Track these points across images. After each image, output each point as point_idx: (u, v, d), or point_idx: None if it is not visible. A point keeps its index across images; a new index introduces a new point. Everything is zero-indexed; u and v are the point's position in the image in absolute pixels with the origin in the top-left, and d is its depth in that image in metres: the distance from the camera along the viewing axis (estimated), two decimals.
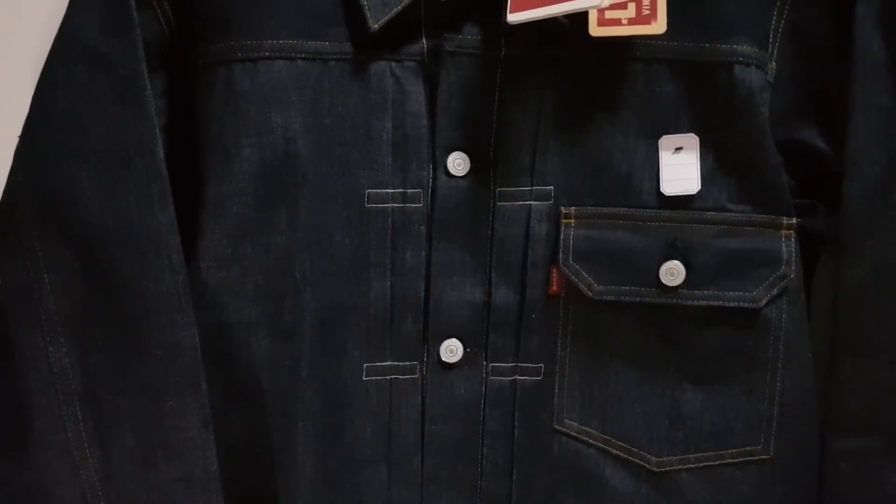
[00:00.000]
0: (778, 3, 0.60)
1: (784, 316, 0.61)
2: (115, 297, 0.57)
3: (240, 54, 0.58)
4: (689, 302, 0.60)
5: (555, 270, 0.61)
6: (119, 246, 0.57)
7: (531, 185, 0.61)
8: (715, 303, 0.60)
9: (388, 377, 0.62)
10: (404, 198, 0.61)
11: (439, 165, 0.61)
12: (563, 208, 0.61)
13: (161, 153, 0.57)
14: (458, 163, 0.61)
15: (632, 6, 0.57)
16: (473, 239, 0.61)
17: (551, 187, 0.61)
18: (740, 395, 0.61)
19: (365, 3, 0.58)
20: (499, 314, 0.62)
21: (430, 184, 0.61)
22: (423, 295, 0.61)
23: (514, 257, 0.61)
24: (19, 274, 0.58)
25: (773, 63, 0.61)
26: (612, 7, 0.56)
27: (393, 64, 0.60)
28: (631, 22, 0.57)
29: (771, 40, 0.60)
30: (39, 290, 0.57)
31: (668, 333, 0.61)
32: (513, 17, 0.56)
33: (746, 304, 0.60)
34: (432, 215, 0.61)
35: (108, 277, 0.57)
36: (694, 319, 0.61)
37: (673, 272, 0.60)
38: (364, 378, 0.62)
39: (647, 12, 0.56)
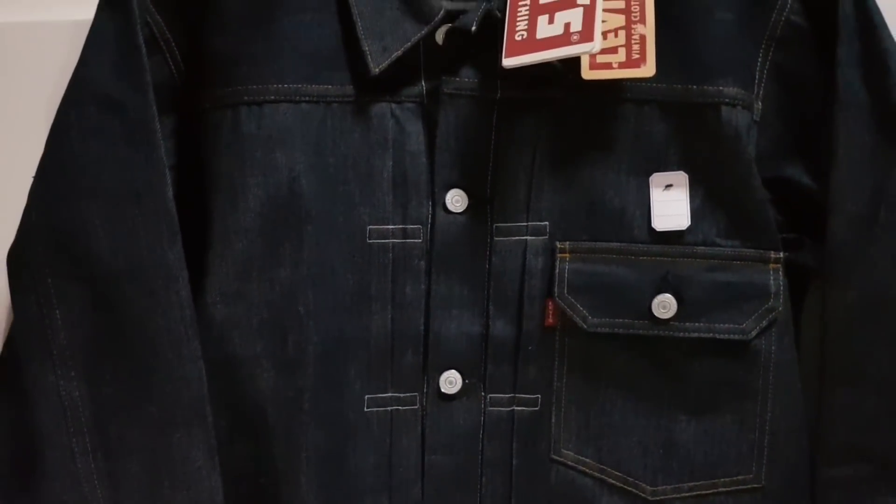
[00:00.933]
0: (763, 45, 0.63)
1: (773, 347, 0.62)
2: (124, 331, 0.59)
3: (246, 98, 0.60)
4: (681, 334, 0.62)
5: (550, 303, 0.63)
6: (129, 282, 0.58)
7: (527, 221, 0.63)
8: (706, 335, 0.62)
9: (388, 408, 0.63)
10: (404, 233, 0.63)
11: (438, 202, 0.63)
12: (558, 243, 0.63)
13: (170, 193, 0.59)
14: (456, 200, 0.63)
15: (622, 50, 0.59)
16: (472, 273, 0.63)
17: (546, 223, 0.63)
18: (732, 424, 0.63)
19: (366, 48, 0.60)
20: (496, 346, 0.63)
21: (430, 220, 0.63)
22: (422, 328, 0.63)
23: (511, 291, 0.63)
24: (32, 309, 0.59)
25: (759, 103, 0.63)
26: (604, 52, 0.59)
27: (393, 105, 0.62)
28: (621, 66, 0.59)
29: (757, 81, 0.63)
30: (51, 325, 0.59)
31: (661, 364, 0.63)
32: (508, 62, 0.58)
33: (737, 336, 0.62)
34: (432, 250, 0.63)
35: (118, 313, 0.59)
36: (686, 351, 0.62)
37: (665, 305, 0.62)
38: (365, 409, 0.63)
39: (637, 56, 0.59)
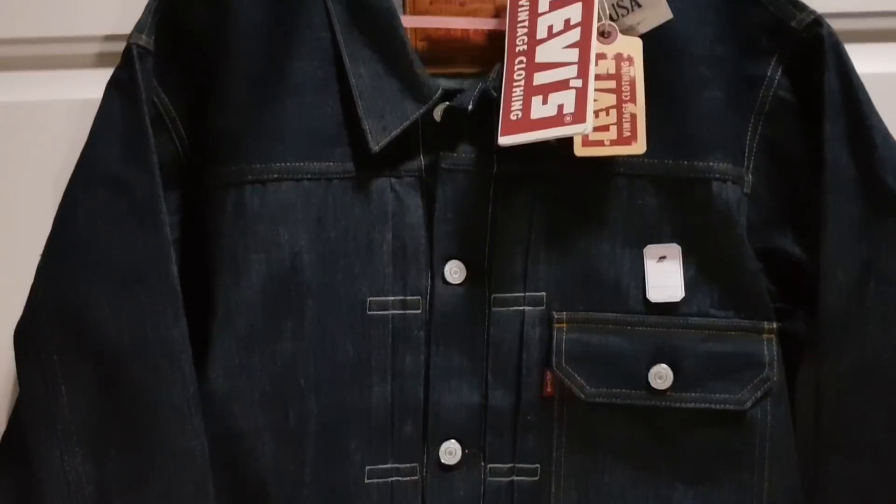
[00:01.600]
0: (752, 120, 0.64)
1: (769, 417, 0.63)
2: (128, 407, 0.60)
3: (249, 177, 0.62)
4: (678, 404, 0.62)
5: (549, 373, 0.63)
6: (134, 359, 0.59)
7: (524, 292, 0.64)
8: (702, 405, 0.62)
9: (389, 479, 0.64)
10: (404, 305, 0.64)
11: (437, 274, 0.64)
12: (555, 313, 0.63)
13: (175, 271, 0.60)
14: (454, 271, 0.64)
15: (614, 129, 0.60)
16: (470, 343, 0.64)
17: (543, 293, 0.64)
18: (730, 494, 0.63)
19: (367, 127, 0.62)
20: (496, 416, 0.64)
21: (429, 291, 0.64)
22: (422, 398, 0.64)
23: (509, 361, 0.64)
24: (37, 385, 0.60)
25: (749, 176, 0.64)
26: (596, 129, 0.60)
27: (393, 180, 0.64)
28: (613, 143, 0.60)
29: (746, 155, 0.64)
30: (56, 400, 0.60)
31: (658, 434, 0.63)
32: (503, 141, 0.59)
33: (732, 407, 0.62)
34: (431, 321, 0.64)
35: (122, 389, 0.60)
36: (683, 421, 0.63)
37: (661, 375, 0.62)
38: (366, 480, 0.63)
39: (628, 134, 0.60)
